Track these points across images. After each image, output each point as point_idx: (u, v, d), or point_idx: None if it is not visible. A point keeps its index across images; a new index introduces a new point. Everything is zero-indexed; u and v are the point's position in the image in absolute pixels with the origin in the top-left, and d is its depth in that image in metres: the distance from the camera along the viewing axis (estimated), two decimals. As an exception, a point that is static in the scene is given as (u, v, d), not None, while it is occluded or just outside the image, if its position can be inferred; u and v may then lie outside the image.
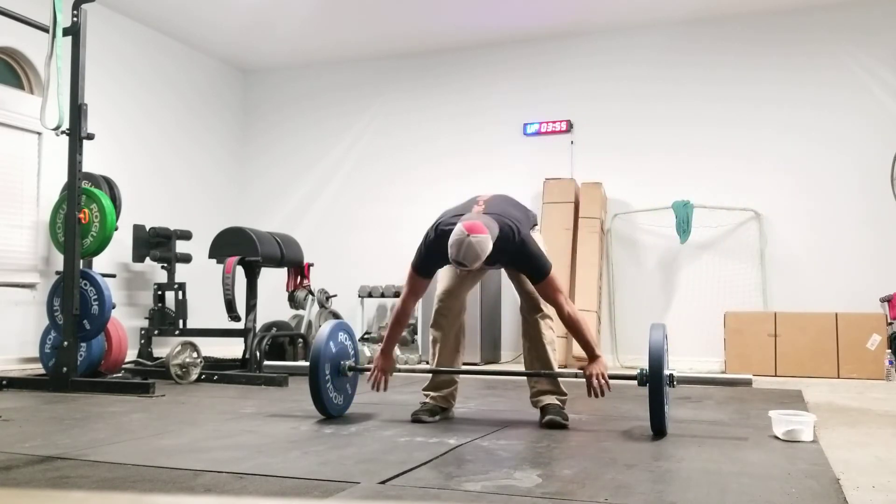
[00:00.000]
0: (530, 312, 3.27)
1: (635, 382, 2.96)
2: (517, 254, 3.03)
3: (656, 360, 2.84)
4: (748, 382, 3.10)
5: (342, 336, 3.39)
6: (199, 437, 2.79)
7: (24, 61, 6.00)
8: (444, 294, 3.34)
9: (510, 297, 6.13)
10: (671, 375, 2.93)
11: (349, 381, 3.43)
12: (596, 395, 3.08)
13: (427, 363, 3.41)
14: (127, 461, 2.29)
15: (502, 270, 3.49)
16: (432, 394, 3.32)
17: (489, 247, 2.84)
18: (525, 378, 3.35)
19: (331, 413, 3.26)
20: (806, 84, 6.52)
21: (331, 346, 3.27)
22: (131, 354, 5.48)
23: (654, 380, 2.83)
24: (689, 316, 6.60)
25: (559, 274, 3.28)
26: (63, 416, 3.34)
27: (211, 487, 1.99)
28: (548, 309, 3.24)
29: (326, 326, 3.32)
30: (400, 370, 3.42)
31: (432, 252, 3.10)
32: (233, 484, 2.03)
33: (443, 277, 3.38)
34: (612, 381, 3.13)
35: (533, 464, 2.35)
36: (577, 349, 6.23)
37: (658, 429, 2.87)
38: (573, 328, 3.10)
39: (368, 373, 3.31)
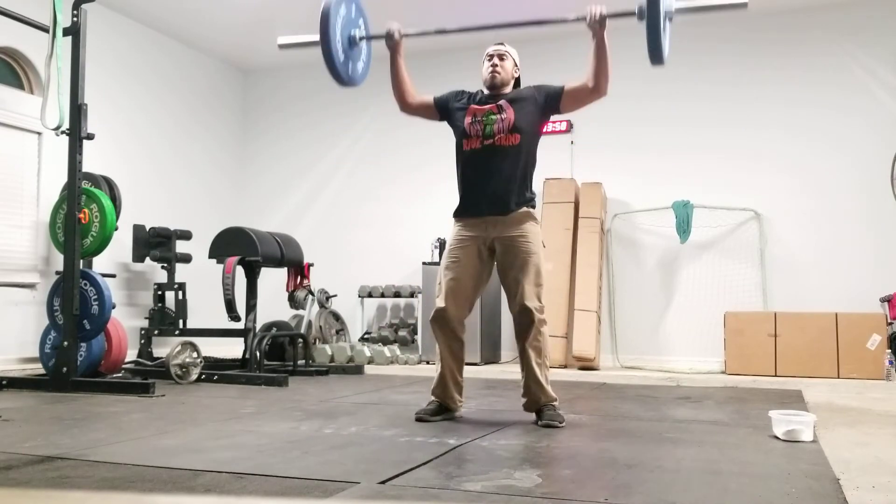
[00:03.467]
0: (521, 324, 3.25)
1: (634, 19, 2.96)
2: (534, 86, 3.39)
3: None
4: (743, 5, 3.05)
5: (350, 7, 3.29)
6: (199, 437, 2.79)
7: (24, 61, 6.00)
8: (440, 306, 3.28)
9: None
10: (670, 9, 2.97)
11: (361, 53, 3.42)
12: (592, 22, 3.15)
13: (427, 363, 3.40)
14: (127, 461, 2.29)
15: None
16: (436, 396, 3.31)
17: (517, 57, 3.48)
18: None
19: (343, 78, 3.23)
20: (806, 84, 6.52)
21: (340, 12, 3.20)
22: (131, 354, 5.48)
23: (653, 8, 2.85)
24: (689, 316, 6.60)
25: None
26: (63, 416, 3.35)
27: (211, 487, 1.99)
28: (538, 316, 3.22)
29: None
30: (410, 34, 3.48)
31: (459, 92, 3.50)
32: (233, 484, 2.03)
33: (440, 285, 3.33)
34: (608, 26, 3.18)
35: (533, 464, 2.35)
36: (577, 349, 6.24)
37: (657, 59, 2.97)
38: (594, 69, 3.27)
39: (383, 39, 3.45)
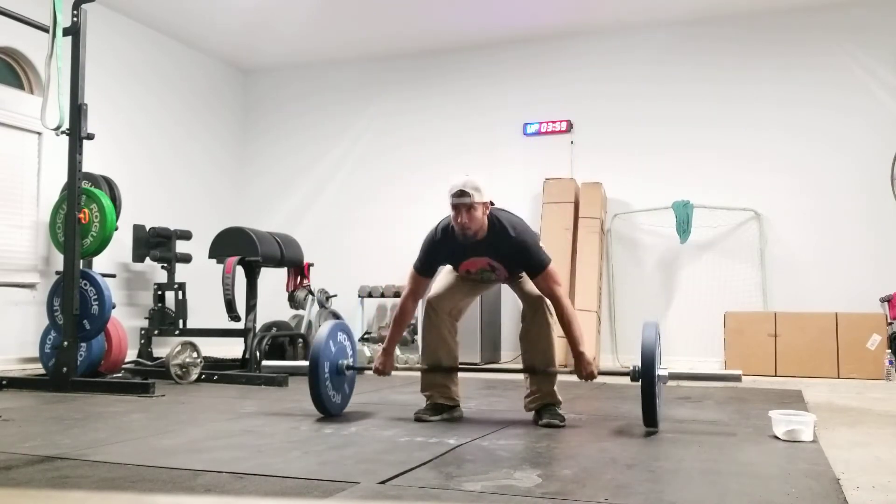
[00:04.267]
0: (535, 313, 3.28)
1: (628, 378, 3.01)
2: (517, 243, 3.13)
3: (648, 357, 2.90)
4: (738, 378, 3.20)
5: (341, 336, 3.42)
6: (199, 437, 2.79)
7: (24, 61, 6.00)
8: (434, 295, 3.38)
9: (510, 298, 6.12)
10: (664, 374, 2.99)
11: (347, 380, 3.46)
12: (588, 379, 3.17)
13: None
14: (127, 461, 2.29)
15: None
16: (427, 392, 3.34)
17: (484, 185, 3.08)
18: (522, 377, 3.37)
19: (330, 412, 3.29)
20: (806, 84, 6.52)
21: (330, 345, 3.30)
22: (131, 354, 5.48)
23: (647, 376, 2.88)
24: (689, 316, 6.60)
25: (559, 270, 3.33)
26: (63, 416, 3.34)
27: (211, 487, 1.99)
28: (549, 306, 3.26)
29: (325, 327, 3.37)
30: (398, 369, 3.45)
31: (437, 246, 3.22)
32: (233, 484, 2.03)
33: (439, 280, 3.40)
34: (607, 378, 3.23)
35: (533, 464, 2.35)
36: (577, 349, 6.22)
37: (650, 423, 2.93)
38: (565, 323, 3.15)
39: (370, 370, 3.38)
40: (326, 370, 3.26)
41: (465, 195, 3.04)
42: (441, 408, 3.29)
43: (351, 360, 3.44)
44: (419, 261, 3.29)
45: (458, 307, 3.40)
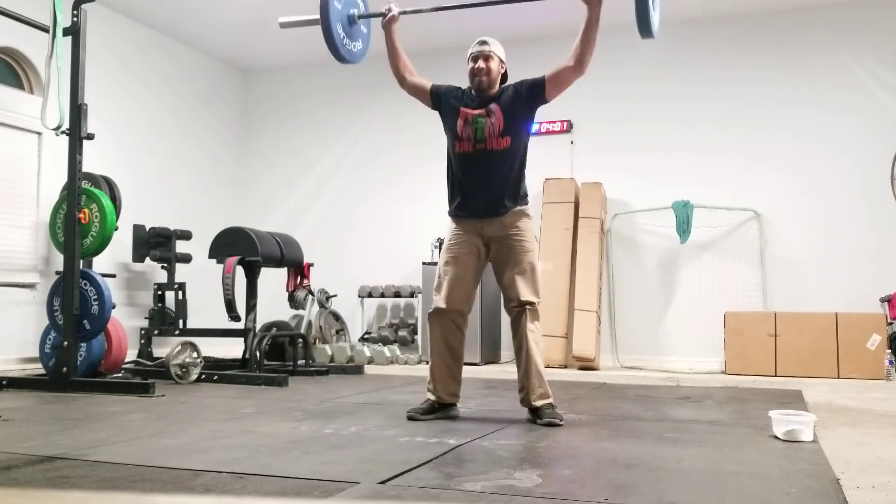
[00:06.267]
0: (517, 314, 3.27)
1: None
2: (517, 83, 3.43)
3: None
4: None
5: None
6: (199, 437, 2.79)
7: (24, 61, 6.00)
8: (436, 303, 3.34)
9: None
10: None
11: (361, 32, 3.62)
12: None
13: (427, 363, 3.42)
14: (127, 461, 2.29)
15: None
16: (432, 386, 3.34)
17: (503, 48, 3.44)
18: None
19: (346, 59, 3.50)
20: (806, 84, 6.51)
21: (336, 2, 3.37)
22: (131, 354, 5.48)
23: None
24: (689, 316, 6.60)
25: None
26: (63, 416, 3.35)
27: (211, 487, 1.99)
28: (531, 311, 3.25)
29: None
30: (408, 12, 3.60)
31: (453, 89, 3.54)
32: (233, 484, 2.03)
33: (444, 280, 3.35)
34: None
35: (533, 464, 2.35)
36: (577, 349, 6.23)
37: (644, 27, 3.09)
38: (581, 44, 3.40)
39: (380, 18, 3.55)
40: (340, 29, 3.39)
41: (485, 44, 3.39)
42: (436, 407, 3.29)
43: (361, 5, 3.57)
44: (436, 84, 3.55)
45: (466, 302, 3.34)
